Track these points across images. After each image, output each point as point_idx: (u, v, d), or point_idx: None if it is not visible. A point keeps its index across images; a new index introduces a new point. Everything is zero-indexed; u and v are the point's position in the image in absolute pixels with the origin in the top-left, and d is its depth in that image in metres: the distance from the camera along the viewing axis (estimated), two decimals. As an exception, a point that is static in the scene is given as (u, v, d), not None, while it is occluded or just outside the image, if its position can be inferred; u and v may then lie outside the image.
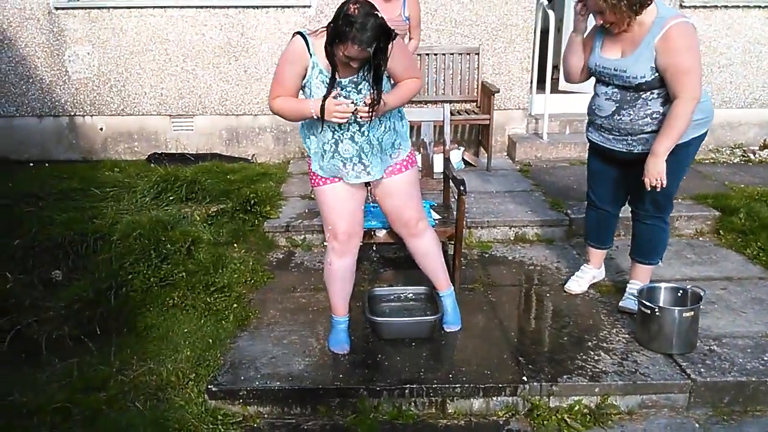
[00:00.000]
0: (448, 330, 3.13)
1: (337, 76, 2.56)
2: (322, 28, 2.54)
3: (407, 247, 3.08)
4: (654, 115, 2.89)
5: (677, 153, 2.91)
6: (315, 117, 2.57)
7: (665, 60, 2.76)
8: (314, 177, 2.83)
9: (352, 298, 3.06)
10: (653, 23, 2.78)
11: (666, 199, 3.11)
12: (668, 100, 2.85)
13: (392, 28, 2.47)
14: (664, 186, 2.90)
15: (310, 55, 2.56)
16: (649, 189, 2.93)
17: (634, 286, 3.30)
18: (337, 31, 2.38)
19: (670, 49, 2.75)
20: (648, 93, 2.87)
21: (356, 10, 2.36)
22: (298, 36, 2.59)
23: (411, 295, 3.35)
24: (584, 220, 3.56)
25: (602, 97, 3.02)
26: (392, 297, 3.32)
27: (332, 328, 3.07)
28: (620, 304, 3.33)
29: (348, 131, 2.68)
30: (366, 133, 2.70)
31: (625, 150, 3.03)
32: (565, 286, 3.59)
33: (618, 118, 2.97)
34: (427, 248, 3.04)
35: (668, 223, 3.25)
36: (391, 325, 3.07)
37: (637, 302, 3.06)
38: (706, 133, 3.04)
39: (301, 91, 2.70)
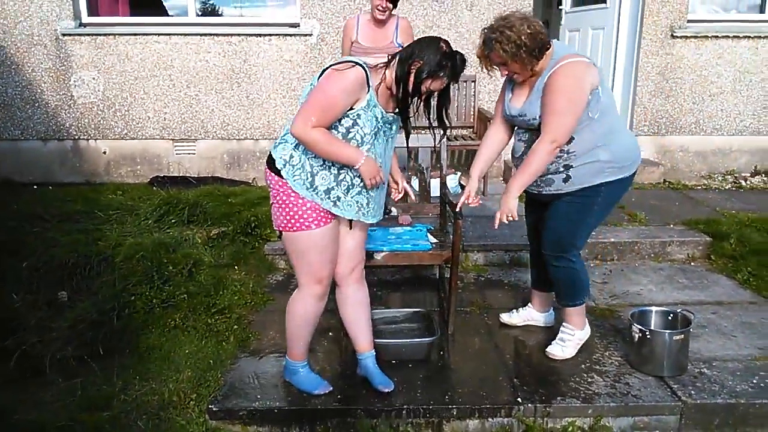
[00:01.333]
0: (384, 391, 2.83)
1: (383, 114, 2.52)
2: (382, 63, 2.51)
3: (342, 296, 2.87)
4: (558, 153, 2.83)
5: (580, 197, 2.90)
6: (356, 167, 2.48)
7: (543, 98, 2.75)
8: (307, 219, 2.56)
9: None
10: (547, 66, 2.76)
11: (568, 240, 3.01)
12: (573, 138, 2.81)
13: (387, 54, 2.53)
14: (515, 220, 2.86)
15: (368, 88, 2.46)
16: (496, 225, 2.91)
17: (565, 329, 3.22)
18: (438, 66, 2.40)
19: (548, 87, 2.73)
20: None
21: (447, 47, 2.45)
22: (359, 67, 2.41)
23: (408, 316, 3.41)
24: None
25: (516, 138, 3.05)
26: (389, 319, 3.39)
27: (296, 374, 2.89)
28: (546, 349, 3.21)
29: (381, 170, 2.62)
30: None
31: (536, 191, 3.01)
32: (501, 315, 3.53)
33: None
34: (364, 297, 2.89)
35: (579, 262, 3.09)
36: (388, 346, 3.12)
37: (568, 345, 3.15)
38: (623, 181, 2.94)
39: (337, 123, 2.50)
